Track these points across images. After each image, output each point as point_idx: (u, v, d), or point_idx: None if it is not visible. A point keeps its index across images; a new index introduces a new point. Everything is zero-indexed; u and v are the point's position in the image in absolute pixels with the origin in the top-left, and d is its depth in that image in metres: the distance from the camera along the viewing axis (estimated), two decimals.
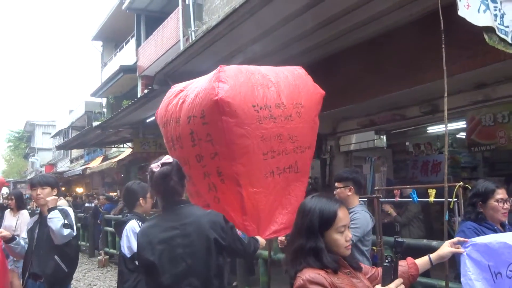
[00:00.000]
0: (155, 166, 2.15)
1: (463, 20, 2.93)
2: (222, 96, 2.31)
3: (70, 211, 3.45)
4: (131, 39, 18.01)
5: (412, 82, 5.10)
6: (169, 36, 13.52)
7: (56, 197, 3.36)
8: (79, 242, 12.04)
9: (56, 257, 3.26)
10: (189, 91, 2.63)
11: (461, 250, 1.91)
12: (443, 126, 7.31)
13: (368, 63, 5.54)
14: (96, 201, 12.80)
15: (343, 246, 1.63)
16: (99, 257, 9.67)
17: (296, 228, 1.68)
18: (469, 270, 1.85)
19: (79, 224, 12.19)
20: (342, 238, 1.63)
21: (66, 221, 3.23)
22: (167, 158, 2.19)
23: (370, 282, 1.71)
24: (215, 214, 2.20)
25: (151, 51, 15.11)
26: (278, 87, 2.57)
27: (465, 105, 5.72)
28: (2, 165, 48.77)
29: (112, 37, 21.06)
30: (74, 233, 3.32)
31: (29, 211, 6.97)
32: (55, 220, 3.16)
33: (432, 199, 3.38)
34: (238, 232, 2.31)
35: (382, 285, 1.50)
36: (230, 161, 2.42)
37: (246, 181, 2.46)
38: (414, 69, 5.00)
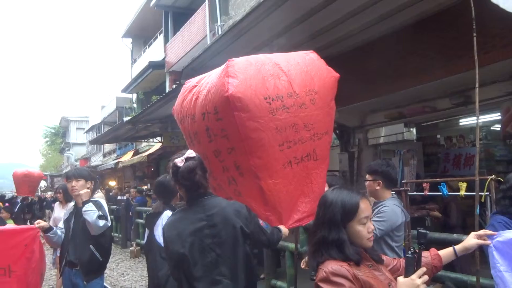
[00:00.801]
0: (179, 161, 2.21)
1: (496, 7, 2.83)
2: (232, 92, 2.29)
3: (104, 203, 3.59)
4: (159, 35, 18.31)
5: (442, 73, 4.96)
6: (196, 32, 13.66)
7: (88, 190, 3.47)
8: (113, 234, 12.50)
9: (91, 246, 3.40)
10: (202, 86, 2.62)
11: (488, 242, 1.86)
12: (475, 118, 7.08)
13: (397, 54, 5.42)
14: (127, 194, 13.18)
15: (365, 238, 1.63)
16: (131, 248, 9.97)
17: (318, 220, 1.68)
18: (498, 262, 1.81)
19: (112, 216, 12.60)
20: (365, 230, 1.63)
21: (100, 213, 3.37)
22: (190, 153, 2.24)
23: (392, 274, 1.70)
24: (239, 204, 2.27)
25: (178, 46, 15.31)
26: (289, 76, 2.52)
27: (500, 96, 5.52)
28: (40, 159, 50.87)
29: (141, 34, 21.46)
30: (109, 224, 3.45)
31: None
32: (90, 213, 3.30)
33: (462, 192, 3.29)
34: (261, 222, 2.36)
35: (405, 276, 1.50)
36: (247, 155, 2.41)
37: (265, 173, 2.46)
38: (444, 59, 4.86)
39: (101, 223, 3.32)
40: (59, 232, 3.57)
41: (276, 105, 2.42)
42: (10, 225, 4.96)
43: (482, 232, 1.91)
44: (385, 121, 7.40)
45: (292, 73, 2.56)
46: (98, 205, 3.45)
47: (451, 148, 8.41)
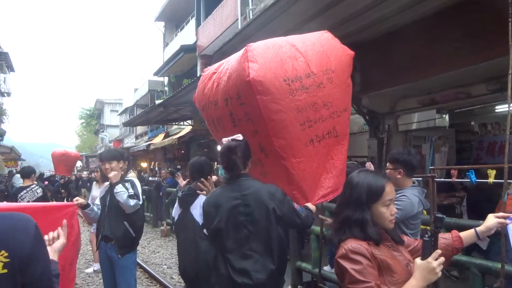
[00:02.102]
0: (226, 140, 2.43)
1: None
2: (253, 76, 2.35)
3: (137, 182, 3.78)
4: (191, 19, 18.43)
5: (477, 59, 4.81)
6: (228, 15, 13.68)
7: (116, 172, 3.66)
8: (144, 213, 12.94)
9: (125, 223, 3.62)
10: (222, 73, 2.69)
11: (507, 221, 1.89)
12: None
13: (430, 39, 5.29)
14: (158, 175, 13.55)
15: (387, 219, 1.69)
16: (162, 227, 10.33)
17: (344, 200, 1.75)
18: None
19: (143, 196, 13.02)
20: (388, 212, 1.69)
21: (132, 192, 3.56)
22: (238, 136, 2.44)
23: (412, 254, 1.75)
24: (274, 187, 2.42)
25: (210, 30, 15.39)
26: (306, 56, 2.58)
27: None
28: (76, 140, 52.71)
29: (174, 17, 21.66)
30: (140, 202, 3.65)
31: None
32: (121, 193, 3.52)
33: (491, 180, 3.26)
34: (296, 206, 2.46)
35: (422, 259, 1.55)
36: (271, 136, 2.49)
37: (289, 153, 2.54)
38: (480, 44, 4.71)
39: (132, 202, 3.53)
40: (95, 208, 3.77)
41: (295, 86, 2.48)
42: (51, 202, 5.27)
43: (500, 214, 1.92)
44: (416, 107, 7.25)
45: (309, 53, 2.62)
46: (132, 184, 3.65)
47: (486, 135, 8.17)
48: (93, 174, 6.54)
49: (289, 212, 2.38)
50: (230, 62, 2.69)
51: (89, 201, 3.86)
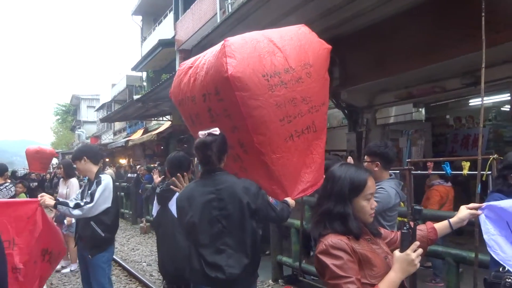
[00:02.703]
0: (202, 134, 2.39)
1: None
2: (232, 72, 2.32)
3: (105, 180, 3.56)
4: (169, 13, 18.18)
5: (453, 53, 4.91)
6: (207, 9, 13.55)
7: (44, 199, 3.33)
8: (123, 211, 12.77)
9: (92, 223, 3.51)
10: (199, 68, 2.65)
11: (478, 212, 1.94)
12: (486, 98, 7.04)
13: (407, 34, 5.37)
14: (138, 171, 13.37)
15: (368, 213, 1.70)
16: (141, 224, 10.21)
17: (325, 193, 1.73)
18: (490, 228, 1.91)
19: (122, 193, 12.85)
20: (368, 206, 1.70)
21: (77, 202, 3.41)
22: (215, 130, 2.39)
23: (389, 246, 1.77)
24: (249, 181, 2.41)
25: (188, 24, 15.22)
26: (284, 51, 2.56)
27: (510, 76, 5.46)
28: (51, 137, 51.49)
29: (151, 11, 21.34)
30: (92, 204, 3.40)
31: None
32: (64, 210, 3.40)
33: (466, 171, 3.33)
34: (271, 199, 2.46)
35: (401, 251, 1.56)
36: (250, 133, 2.47)
37: (268, 149, 2.52)
38: (455, 39, 4.81)
39: (76, 212, 3.36)
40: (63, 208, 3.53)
41: (274, 81, 2.46)
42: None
43: (471, 205, 1.97)
44: (394, 101, 7.38)
45: (287, 48, 2.59)
46: (97, 183, 3.49)
47: (460, 128, 8.38)
48: (57, 170, 6.39)
49: (263, 206, 2.39)
50: (207, 57, 2.65)
51: (58, 198, 3.69)
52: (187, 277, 2.43)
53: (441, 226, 1.95)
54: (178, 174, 2.97)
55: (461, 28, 4.67)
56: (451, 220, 1.94)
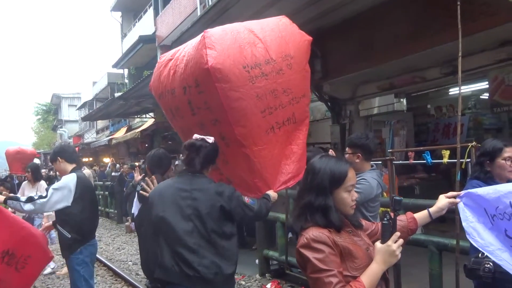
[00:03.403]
0: (195, 137, 2.41)
1: None
2: (212, 64, 2.29)
3: (67, 179, 3.46)
4: (149, 8, 17.93)
5: (431, 43, 4.95)
6: (187, 4, 13.40)
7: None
8: (108, 210, 12.62)
9: (57, 225, 3.49)
10: (178, 60, 2.62)
11: (457, 200, 1.95)
12: (465, 87, 7.12)
13: (385, 25, 5.40)
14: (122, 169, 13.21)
15: (349, 205, 1.69)
16: (126, 223, 10.11)
17: (305, 186, 1.72)
18: (468, 215, 1.92)
19: (106, 192, 12.70)
20: (349, 197, 1.69)
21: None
22: (209, 138, 2.41)
23: (370, 238, 1.77)
24: (224, 185, 2.43)
25: (169, 20, 15.03)
26: (265, 42, 2.54)
27: (488, 64, 5.54)
28: (33, 137, 50.50)
29: (131, 7, 21.01)
30: (45, 200, 3.27)
31: None
32: (15, 206, 3.26)
33: (446, 160, 3.37)
34: (246, 199, 2.46)
35: (382, 242, 1.56)
36: (231, 125, 2.45)
37: (249, 141, 2.51)
38: (433, 28, 4.84)
39: (28, 206, 3.25)
40: (16, 202, 3.34)
41: (255, 73, 2.44)
42: None
43: (450, 193, 1.98)
44: (375, 92, 7.43)
45: (268, 39, 2.58)
46: (58, 180, 3.46)
47: (441, 118, 8.50)
48: (26, 173, 6.30)
49: (238, 207, 2.39)
50: (186, 49, 2.61)
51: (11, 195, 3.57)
52: (156, 276, 2.36)
53: (420, 216, 1.95)
54: (147, 178, 2.94)
55: (440, 17, 4.70)
56: (430, 209, 1.95)
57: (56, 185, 3.43)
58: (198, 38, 2.48)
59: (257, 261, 5.75)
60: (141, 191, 2.97)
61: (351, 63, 6.25)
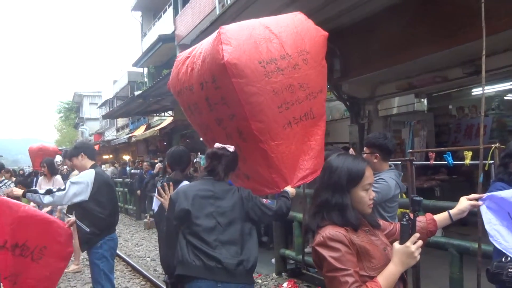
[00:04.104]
0: (218, 146, 2.52)
1: None
2: (228, 59, 2.32)
3: (85, 174, 3.59)
4: (168, 7, 18.08)
5: (453, 42, 4.85)
6: (206, 3, 13.46)
7: (12, 190, 3.45)
8: (127, 206, 12.81)
9: (76, 219, 3.57)
10: (195, 57, 2.65)
11: (479, 203, 1.91)
12: (489, 87, 6.96)
13: (406, 24, 5.32)
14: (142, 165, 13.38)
15: (366, 204, 1.67)
16: (145, 220, 10.25)
17: (322, 184, 1.71)
18: (491, 218, 1.89)
19: (125, 189, 12.89)
20: (367, 196, 1.67)
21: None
22: (229, 147, 2.51)
23: (388, 238, 1.74)
24: (242, 188, 2.53)
25: (188, 19, 15.14)
26: (280, 38, 2.55)
27: None
28: (55, 135, 51.57)
29: (151, 6, 21.23)
30: (62, 193, 3.38)
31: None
32: (34, 198, 3.37)
33: (468, 161, 3.30)
34: (265, 200, 2.53)
35: (400, 243, 1.53)
36: (248, 120, 2.47)
37: (267, 136, 2.53)
38: (455, 28, 4.75)
39: (47, 198, 3.36)
40: (35, 195, 3.45)
41: (270, 68, 2.45)
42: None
43: (471, 196, 1.94)
44: (395, 92, 7.31)
45: (283, 35, 2.58)
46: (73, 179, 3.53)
47: (463, 118, 8.31)
48: (41, 168, 6.44)
49: (257, 208, 2.45)
50: (203, 46, 2.65)
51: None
52: (177, 273, 2.39)
53: (441, 218, 1.92)
54: (161, 184, 3.00)
55: (462, 16, 4.61)
56: (451, 211, 1.91)
57: (74, 179, 3.55)
58: (214, 34, 2.51)
59: (273, 260, 5.76)
60: (157, 196, 3.02)
61: (370, 63, 6.18)
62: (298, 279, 5.23)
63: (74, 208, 3.61)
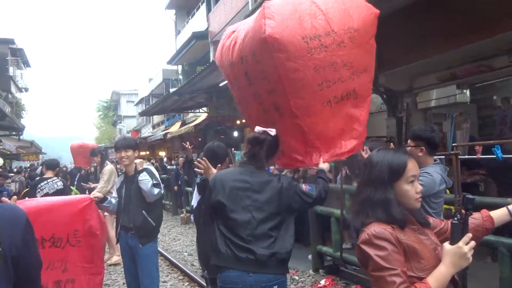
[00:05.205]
0: (258, 129, 2.47)
1: None
2: (269, 33, 2.29)
3: (154, 170, 3.79)
4: (201, 5, 18.24)
5: (500, 29, 4.59)
6: None
7: (143, 160, 3.72)
8: (164, 202, 13.07)
9: (143, 212, 3.61)
10: (240, 31, 2.65)
11: None
12: None
13: (449, 10, 5.07)
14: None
15: (413, 198, 1.59)
16: (182, 215, 10.42)
17: (364, 180, 1.66)
18: None
19: (163, 185, 13.16)
20: (412, 189, 1.59)
21: (154, 181, 3.56)
22: (271, 130, 2.45)
23: (438, 237, 1.65)
24: (283, 177, 2.45)
25: (221, 15, 15.22)
26: (326, 14, 2.48)
27: None
28: (95, 132, 53.44)
29: (184, 4, 21.50)
30: (162, 191, 3.68)
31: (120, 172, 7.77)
32: (145, 181, 3.51)
33: None
34: (304, 187, 2.44)
35: (451, 243, 1.45)
36: (287, 96, 2.44)
37: (303, 112, 2.49)
38: (501, 14, 4.49)
39: (156, 191, 3.54)
40: (113, 201, 3.78)
41: (313, 44, 2.40)
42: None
43: None
44: (435, 84, 7.02)
45: (330, 11, 2.51)
46: (150, 173, 3.63)
47: (509, 110, 7.88)
48: (118, 166, 6.70)
49: (296, 195, 2.39)
50: (249, 21, 2.65)
51: (114, 193, 3.87)
52: (212, 262, 2.40)
53: (498, 214, 1.79)
54: (199, 159, 2.99)
55: (505, 2, 4.35)
56: (510, 207, 1.78)
57: (153, 176, 3.65)
58: (259, 9, 2.49)
59: (309, 256, 5.70)
60: (196, 169, 3.02)
61: (408, 53, 5.95)
62: (336, 276, 5.15)
63: (143, 203, 3.65)
